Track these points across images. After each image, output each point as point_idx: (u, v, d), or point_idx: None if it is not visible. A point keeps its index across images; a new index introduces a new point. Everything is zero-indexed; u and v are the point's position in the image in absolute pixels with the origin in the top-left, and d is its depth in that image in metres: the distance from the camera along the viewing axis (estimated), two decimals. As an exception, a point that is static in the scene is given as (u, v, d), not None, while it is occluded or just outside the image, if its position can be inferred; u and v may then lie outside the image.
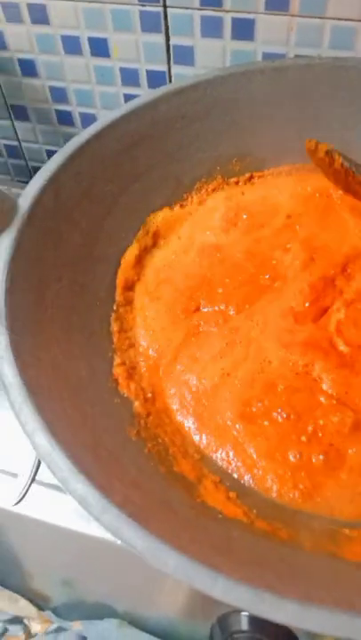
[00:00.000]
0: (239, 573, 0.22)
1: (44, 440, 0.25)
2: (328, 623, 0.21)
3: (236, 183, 0.44)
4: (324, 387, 0.34)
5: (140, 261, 0.40)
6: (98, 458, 0.27)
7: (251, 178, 0.44)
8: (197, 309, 0.38)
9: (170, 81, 0.52)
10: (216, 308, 0.38)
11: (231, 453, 0.33)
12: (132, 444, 0.31)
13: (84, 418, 0.30)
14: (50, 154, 0.63)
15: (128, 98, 0.54)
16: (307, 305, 0.37)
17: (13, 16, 0.51)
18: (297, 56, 0.46)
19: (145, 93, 0.42)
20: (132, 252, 0.40)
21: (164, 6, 0.46)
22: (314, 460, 0.32)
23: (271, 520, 0.29)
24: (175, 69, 0.50)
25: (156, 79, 0.52)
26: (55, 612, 0.47)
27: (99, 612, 0.45)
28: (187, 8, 0.46)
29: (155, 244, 0.41)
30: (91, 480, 0.24)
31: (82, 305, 0.36)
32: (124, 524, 0.23)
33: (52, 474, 0.25)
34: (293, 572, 0.25)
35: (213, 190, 0.43)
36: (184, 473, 0.31)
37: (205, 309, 0.38)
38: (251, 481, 0.32)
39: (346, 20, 0.43)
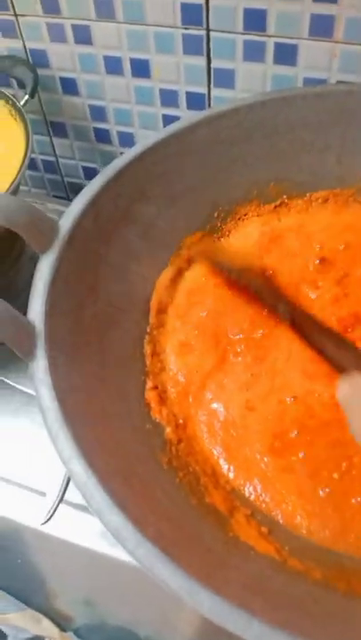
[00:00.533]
0: (274, 617, 0.22)
1: (79, 468, 0.25)
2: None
3: (273, 208, 0.43)
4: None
5: (173, 284, 0.40)
6: (131, 487, 0.27)
7: (287, 203, 0.44)
8: (225, 335, 0.38)
9: (209, 103, 0.52)
10: (241, 336, 0.37)
11: (259, 487, 0.32)
12: (163, 473, 0.31)
13: (117, 444, 0.30)
14: (86, 170, 0.64)
15: (166, 118, 0.54)
16: None
17: (58, 36, 0.51)
18: (339, 82, 0.46)
19: (185, 117, 0.42)
20: (166, 276, 0.40)
21: (207, 29, 0.47)
22: (345, 499, 0.31)
23: (303, 558, 0.29)
24: (215, 92, 0.51)
25: (195, 101, 0.52)
26: (77, 633, 0.46)
27: (120, 635, 0.45)
28: (230, 32, 0.46)
29: (189, 267, 0.41)
30: (125, 512, 0.24)
31: (117, 327, 0.36)
32: (159, 562, 0.22)
33: (87, 503, 0.24)
34: (329, 615, 0.25)
35: (249, 214, 0.43)
36: (216, 504, 0.31)
37: (232, 336, 0.38)
38: (280, 517, 0.31)
39: (390, 47, 0.43)
